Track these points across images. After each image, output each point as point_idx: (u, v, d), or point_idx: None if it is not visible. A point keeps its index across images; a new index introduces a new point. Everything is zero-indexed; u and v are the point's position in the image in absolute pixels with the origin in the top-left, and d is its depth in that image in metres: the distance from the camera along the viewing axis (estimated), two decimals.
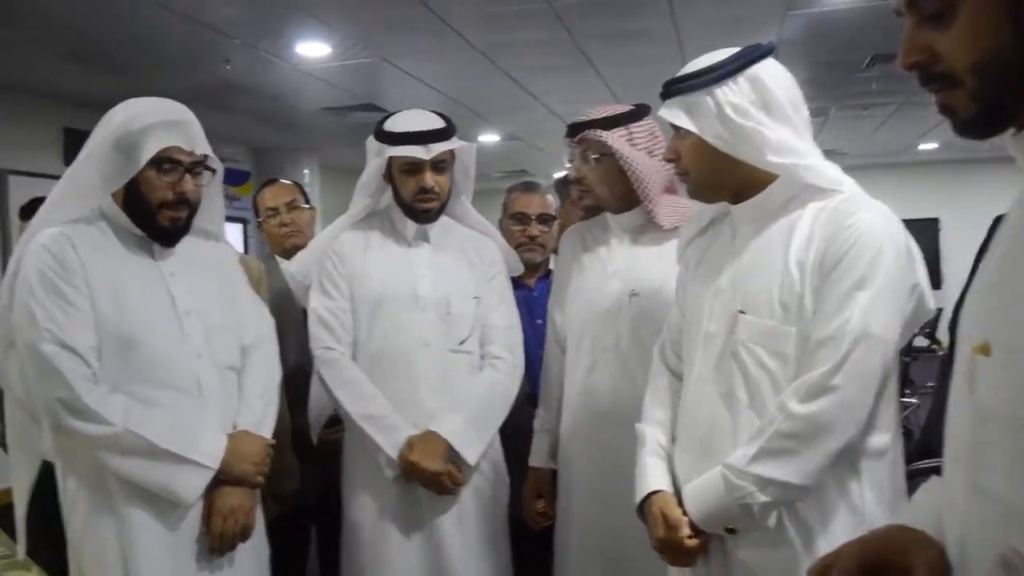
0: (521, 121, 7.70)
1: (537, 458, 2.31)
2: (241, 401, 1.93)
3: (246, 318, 2.01)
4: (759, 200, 1.59)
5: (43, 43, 4.91)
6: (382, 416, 2.18)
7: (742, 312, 1.54)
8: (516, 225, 2.78)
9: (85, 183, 1.83)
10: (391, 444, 2.15)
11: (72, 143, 6.35)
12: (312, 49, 5.14)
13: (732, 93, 1.52)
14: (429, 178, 2.22)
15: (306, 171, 8.50)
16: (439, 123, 2.23)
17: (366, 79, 5.98)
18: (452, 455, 2.17)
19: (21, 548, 1.96)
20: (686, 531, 1.55)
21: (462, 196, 2.40)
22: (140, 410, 1.74)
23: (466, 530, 2.25)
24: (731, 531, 1.53)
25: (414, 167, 2.22)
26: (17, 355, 1.77)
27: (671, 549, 1.58)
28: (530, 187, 2.86)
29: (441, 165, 2.24)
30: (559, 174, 9.37)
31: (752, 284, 1.55)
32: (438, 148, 2.19)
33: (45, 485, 1.91)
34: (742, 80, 1.53)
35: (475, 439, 2.21)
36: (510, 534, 2.38)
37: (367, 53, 5.29)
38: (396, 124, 2.24)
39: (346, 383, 2.22)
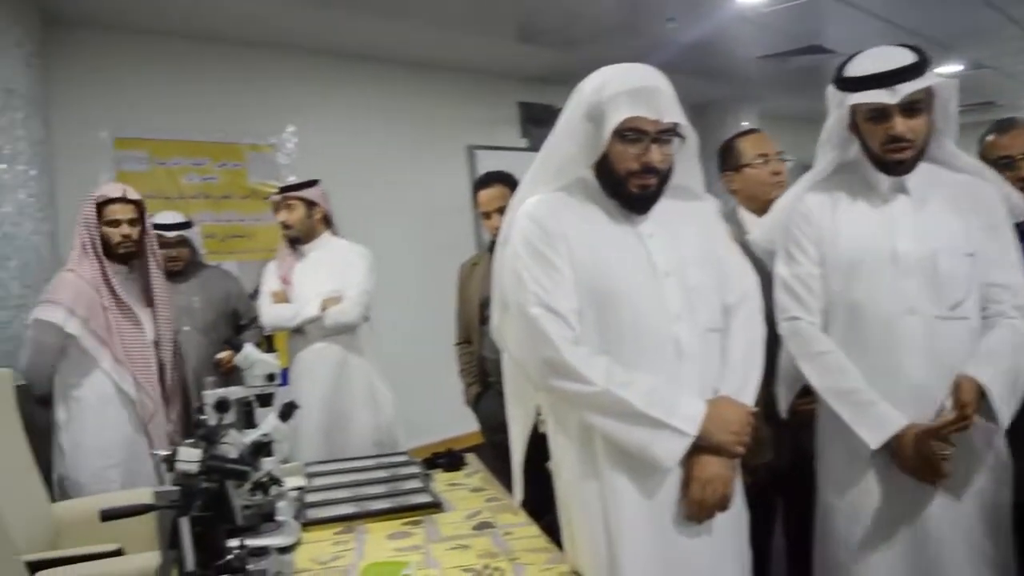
0: (989, 46, 6.75)
1: None
2: (724, 365, 1.85)
3: (729, 276, 1.91)
4: None
5: (495, 25, 5.30)
6: (854, 391, 1.98)
7: None
8: (1001, 172, 2.31)
9: (562, 154, 1.87)
10: (865, 423, 1.96)
11: (527, 116, 6.85)
12: None
13: None
14: (899, 124, 1.95)
15: (745, 123, 8.28)
16: (908, 59, 1.94)
17: (808, 19, 5.62)
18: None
19: (517, 494, 2.10)
20: None
21: (944, 138, 2.08)
22: (621, 372, 1.75)
23: (960, 522, 1.97)
24: None
25: (882, 114, 1.97)
26: (511, 317, 1.87)
27: None
28: (1007, 125, 2.39)
29: (914, 107, 1.96)
30: None
31: None
32: (906, 89, 1.92)
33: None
34: None
35: (1009, 397, 1.92)
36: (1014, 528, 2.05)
37: None
38: (857, 67, 2.00)
39: (815, 355, 2.06)
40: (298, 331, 3.46)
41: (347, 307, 3.43)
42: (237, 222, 5.28)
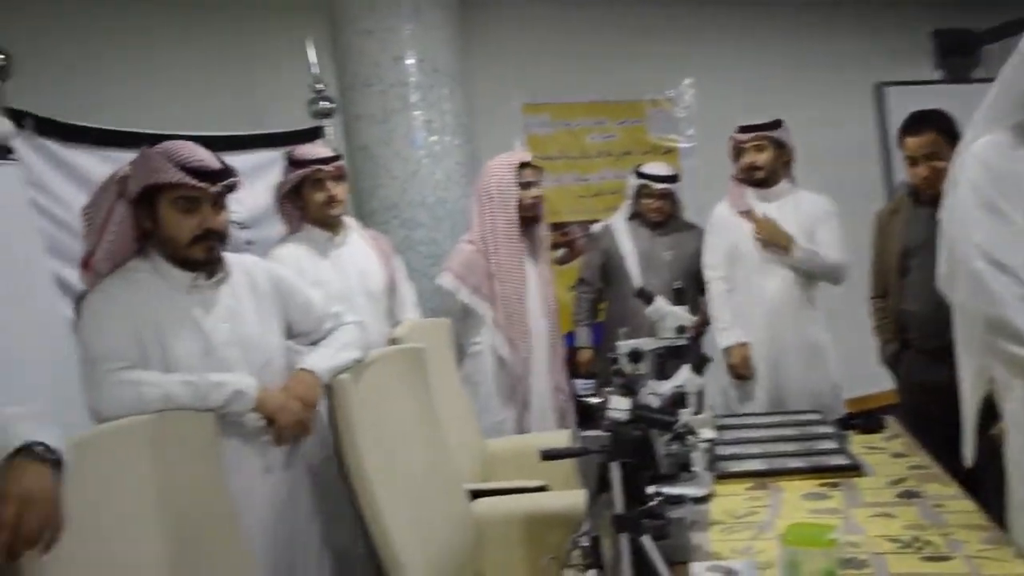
0: None
1: None
2: None
3: None
4: None
5: None
6: None
7: None
8: None
9: (1020, 87, 1.65)
10: None
11: (942, 46, 6.17)
12: None
13: None
14: None
15: None
16: None
17: None
18: None
19: (968, 457, 1.89)
20: None
21: None
22: None
23: None
24: None
25: None
26: (957, 268, 1.70)
27: None
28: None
29: None
30: None
31: None
32: None
33: None
34: None
35: None
36: None
37: None
38: None
39: None
40: None
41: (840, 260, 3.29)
42: None
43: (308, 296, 2.27)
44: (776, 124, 3.35)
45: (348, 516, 2.04)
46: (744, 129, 3.37)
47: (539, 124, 5.21)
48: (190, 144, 1.99)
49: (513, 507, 2.43)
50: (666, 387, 2.05)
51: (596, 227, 3.94)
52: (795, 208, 3.35)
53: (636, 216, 3.72)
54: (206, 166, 1.95)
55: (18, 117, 2.63)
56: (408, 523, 2.01)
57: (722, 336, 3.34)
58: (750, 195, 3.39)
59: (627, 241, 3.68)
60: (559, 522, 2.24)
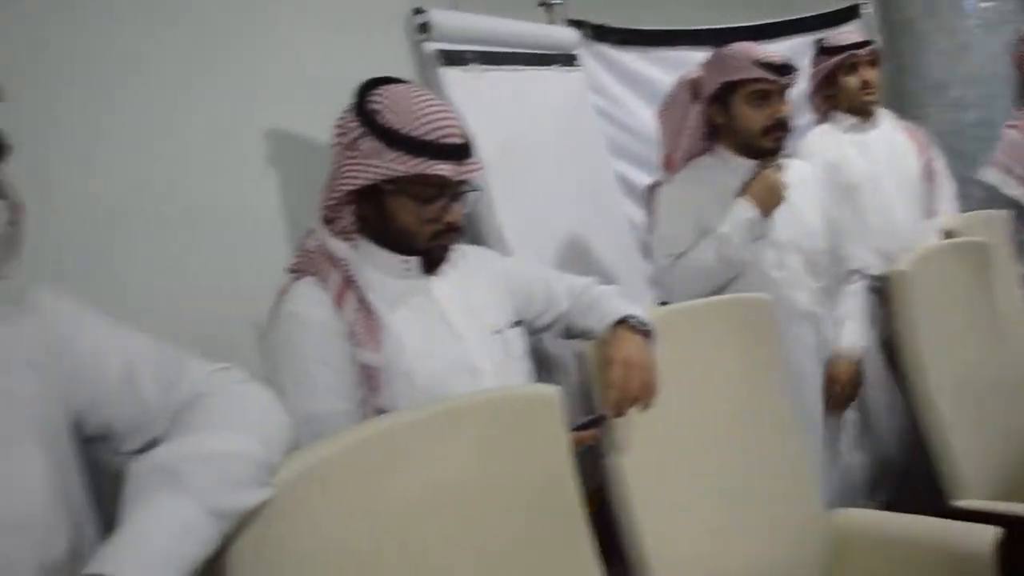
0: None
1: None
2: None
3: None
4: None
5: None
6: None
7: None
8: None
9: None
10: None
11: None
12: None
13: None
14: None
15: None
16: None
17: None
18: None
19: None
20: None
21: None
22: None
23: None
24: None
25: None
26: None
27: None
28: None
29: None
30: None
31: None
32: None
33: None
34: None
35: None
36: None
37: None
38: None
39: None
40: None
41: None
42: None
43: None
44: None
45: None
46: None
47: None
48: (753, 44, 2.09)
49: None
50: None
51: None
52: None
53: None
54: (776, 61, 2.03)
55: (577, 26, 2.88)
56: (967, 428, 1.90)
57: None
58: None
59: None
60: None
